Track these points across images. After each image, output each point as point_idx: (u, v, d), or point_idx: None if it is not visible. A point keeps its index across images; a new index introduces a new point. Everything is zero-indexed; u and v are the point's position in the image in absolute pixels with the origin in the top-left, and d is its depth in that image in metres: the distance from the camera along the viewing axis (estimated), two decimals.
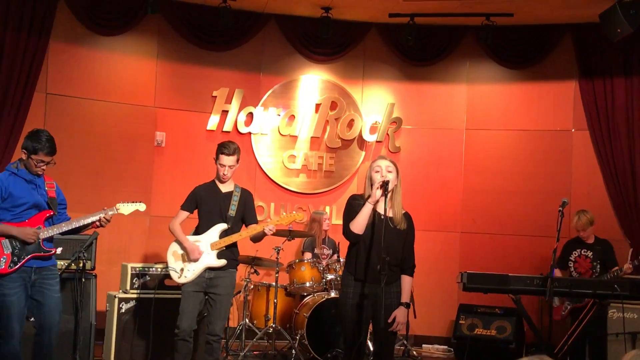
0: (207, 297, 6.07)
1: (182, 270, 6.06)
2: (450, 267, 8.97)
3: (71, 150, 8.17)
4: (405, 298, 4.96)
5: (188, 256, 6.03)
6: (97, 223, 5.37)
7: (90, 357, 6.63)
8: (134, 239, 8.51)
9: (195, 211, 6.22)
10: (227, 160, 6.07)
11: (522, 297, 6.13)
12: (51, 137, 5.25)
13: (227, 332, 7.64)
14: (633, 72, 8.67)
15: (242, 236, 6.10)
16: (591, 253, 7.56)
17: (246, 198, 6.23)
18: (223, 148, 6.08)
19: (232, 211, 6.09)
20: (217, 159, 6.12)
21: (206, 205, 6.13)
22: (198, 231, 6.18)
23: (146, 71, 8.77)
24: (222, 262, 6.03)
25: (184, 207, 6.20)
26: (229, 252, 6.09)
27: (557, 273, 7.60)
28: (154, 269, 7.03)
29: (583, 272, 7.53)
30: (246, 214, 6.20)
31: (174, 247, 6.16)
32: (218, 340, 6.05)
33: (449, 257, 9.25)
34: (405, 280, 5.00)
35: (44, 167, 5.25)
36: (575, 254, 7.63)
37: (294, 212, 6.42)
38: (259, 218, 6.38)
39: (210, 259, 6.02)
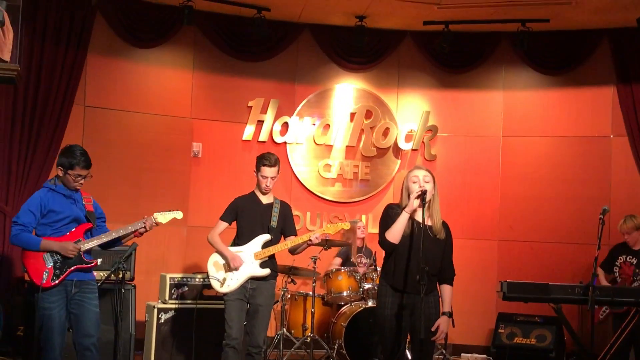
0: (248, 306, 6.09)
1: (224, 279, 6.06)
2: (488, 276, 8.91)
3: (109, 162, 8.27)
4: (447, 307, 4.94)
5: (229, 265, 6.03)
6: (137, 233, 5.43)
7: None
8: (172, 249, 8.57)
9: (234, 222, 6.24)
10: (269, 171, 6.10)
11: (563, 306, 6.07)
12: (85, 151, 5.31)
13: (265, 341, 7.64)
14: None
15: (287, 246, 6.13)
16: (635, 260, 7.44)
17: (286, 210, 6.27)
18: (264, 160, 6.10)
19: (274, 222, 6.13)
20: (258, 170, 6.13)
21: (248, 216, 6.15)
22: (237, 242, 6.19)
23: (182, 82, 8.84)
24: (266, 271, 6.05)
25: (223, 218, 6.21)
26: (270, 263, 6.12)
27: (602, 276, 7.52)
28: (192, 279, 7.06)
29: (625, 277, 7.42)
30: (286, 226, 6.23)
31: (215, 258, 6.17)
32: (259, 352, 6.06)
33: (486, 265, 9.17)
34: (446, 289, 4.98)
35: (82, 182, 5.31)
36: (621, 259, 7.54)
37: (339, 222, 6.36)
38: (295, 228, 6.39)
39: (254, 268, 6.04)
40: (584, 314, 8.06)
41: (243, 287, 6.03)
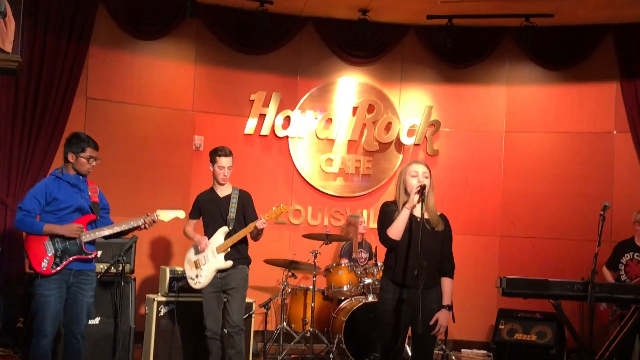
0: (225, 295, 6.41)
1: (197, 276, 6.38)
2: (489, 272, 8.89)
3: (111, 154, 8.23)
4: (447, 300, 4.92)
5: (198, 248, 6.35)
6: (142, 227, 5.47)
7: None
8: (173, 242, 8.56)
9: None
10: (225, 161, 6.40)
11: (564, 302, 6.04)
12: (88, 135, 5.51)
13: (264, 335, 7.66)
14: None
15: (241, 236, 6.34)
16: None
17: (245, 199, 6.51)
18: (219, 151, 6.42)
19: (232, 213, 6.40)
20: (214, 163, 6.43)
21: (208, 211, 6.48)
22: (206, 235, 6.49)
23: (184, 75, 8.83)
24: (229, 263, 6.32)
25: (190, 216, 6.56)
26: (236, 252, 6.38)
27: (606, 272, 7.46)
28: None
29: (633, 276, 7.36)
30: (246, 214, 6.46)
31: (188, 257, 6.52)
32: (239, 332, 6.31)
33: (488, 261, 9.15)
34: (446, 282, 4.96)
35: (94, 164, 5.43)
36: (627, 256, 7.46)
37: (281, 205, 6.48)
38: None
39: (218, 262, 6.34)
40: (586, 311, 8.02)
41: (214, 279, 6.34)
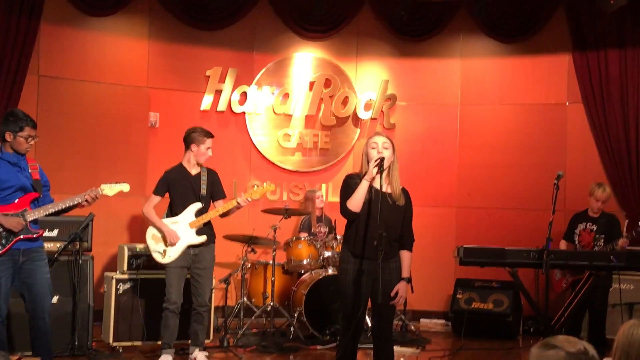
0: (189, 272, 6.44)
1: (164, 251, 6.39)
2: (447, 243, 8.97)
3: (65, 133, 8.16)
4: (405, 273, 4.97)
5: (165, 241, 6.37)
6: (84, 204, 5.35)
7: (89, 338, 6.67)
8: (130, 220, 8.50)
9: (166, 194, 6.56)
10: (211, 142, 6.53)
11: (520, 271, 6.16)
12: (26, 113, 5.33)
13: (225, 310, 7.67)
14: (626, 44, 8.64)
15: (219, 212, 6.45)
16: (595, 227, 7.52)
17: (213, 177, 6.62)
18: (205, 132, 6.52)
19: (204, 190, 6.48)
20: (199, 143, 6.47)
21: (179, 187, 6.48)
22: (171, 213, 6.50)
23: (138, 51, 8.71)
24: (203, 238, 6.40)
25: (156, 192, 6.53)
26: (207, 229, 6.47)
27: (563, 245, 7.58)
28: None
29: (585, 245, 7.51)
30: (214, 191, 6.58)
31: (152, 231, 6.46)
32: (207, 310, 6.57)
33: (445, 232, 9.26)
34: (405, 255, 5.01)
35: (32, 142, 5.28)
36: (580, 227, 7.59)
37: (265, 183, 6.56)
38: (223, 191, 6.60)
39: (191, 237, 6.39)
40: (541, 279, 8.17)
41: (185, 253, 6.36)
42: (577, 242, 7.55)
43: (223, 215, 6.53)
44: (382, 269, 4.71)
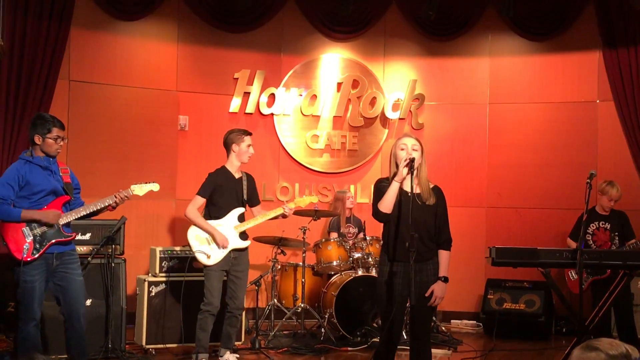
0: (226, 275, 6.43)
1: (209, 252, 6.33)
2: (476, 243, 8.95)
3: (96, 136, 8.24)
4: (442, 272, 4.93)
5: (218, 245, 6.31)
6: (113, 204, 5.41)
7: (122, 341, 6.71)
8: (161, 223, 8.56)
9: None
10: (250, 139, 6.51)
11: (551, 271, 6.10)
12: (52, 115, 5.41)
13: (256, 312, 7.70)
14: None
15: (265, 218, 6.50)
16: (609, 225, 7.46)
17: (252, 182, 6.63)
18: (245, 131, 6.52)
19: (245, 195, 6.50)
20: (239, 142, 6.43)
21: (225, 191, 6.43)
22: (213, 216, 6.43)
23: (167, 55, 8.77)
24: (248, 242, 6.49)
25: (201, 194, 6.44)
26: (244, 233, 6.51)
27: (572, 245, 7.49)
28: (182, 251, 7.07)
29: (602, 244, 7.43)
30: (252, 197, 6.59)
31: (196, 231, 6.39)
32: (241, 313, 6.69)
33: (475, 232, 9.21)
34: (442, 254, 4.98)
35: (62, 144, 5.32)
36: (593, 226, 7.52)
37: (312, 194, 6.62)
38: (284, 199, 6.60)
39: (237, 241, 6.40)
40: (564, 279, 8.10)
41: (227, 257, 6.35)
42: (591, 241, 7.46)
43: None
44: (418, 270, 4.72)
